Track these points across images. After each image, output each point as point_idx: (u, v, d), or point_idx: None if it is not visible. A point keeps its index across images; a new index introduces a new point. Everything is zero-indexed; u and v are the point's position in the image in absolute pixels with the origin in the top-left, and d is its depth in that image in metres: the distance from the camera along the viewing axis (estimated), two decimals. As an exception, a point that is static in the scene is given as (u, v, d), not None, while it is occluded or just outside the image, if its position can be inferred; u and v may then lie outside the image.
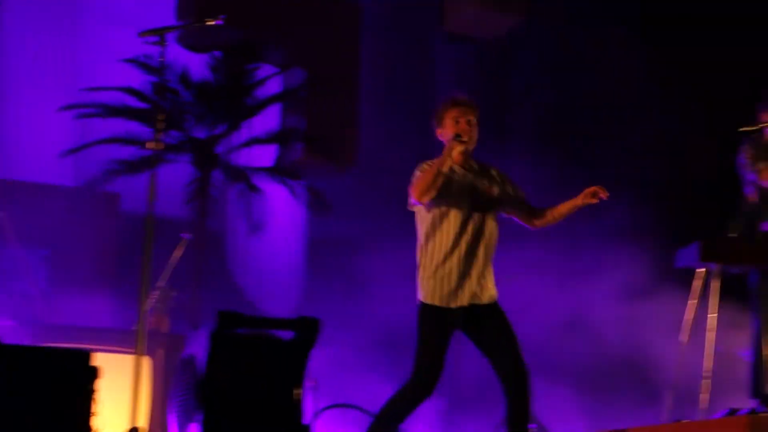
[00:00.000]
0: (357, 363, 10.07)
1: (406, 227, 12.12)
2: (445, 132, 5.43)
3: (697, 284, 6.33)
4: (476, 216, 5.34)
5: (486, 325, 5.29)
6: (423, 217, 5.42)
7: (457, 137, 5.27)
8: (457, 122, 5.36)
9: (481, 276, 5.33)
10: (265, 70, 12.43)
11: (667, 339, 7.38)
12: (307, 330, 4.61)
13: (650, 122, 11.66)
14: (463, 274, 5.28)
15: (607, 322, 9.16)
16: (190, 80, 11.87)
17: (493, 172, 5.52)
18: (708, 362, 6.17)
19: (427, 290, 5.33)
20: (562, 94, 12.29)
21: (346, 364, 9.72)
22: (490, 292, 5.37)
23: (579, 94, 12.31)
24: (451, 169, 5.36)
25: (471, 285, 5.29)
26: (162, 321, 7.89)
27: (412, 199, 5.35)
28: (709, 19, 11.14)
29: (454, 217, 5.31)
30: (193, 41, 11.67)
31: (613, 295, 9.16)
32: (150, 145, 5.30)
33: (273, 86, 12.53)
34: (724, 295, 6.33)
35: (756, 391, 6.11)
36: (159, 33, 5.39)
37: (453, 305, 5.27)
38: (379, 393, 9.26)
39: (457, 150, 5.29)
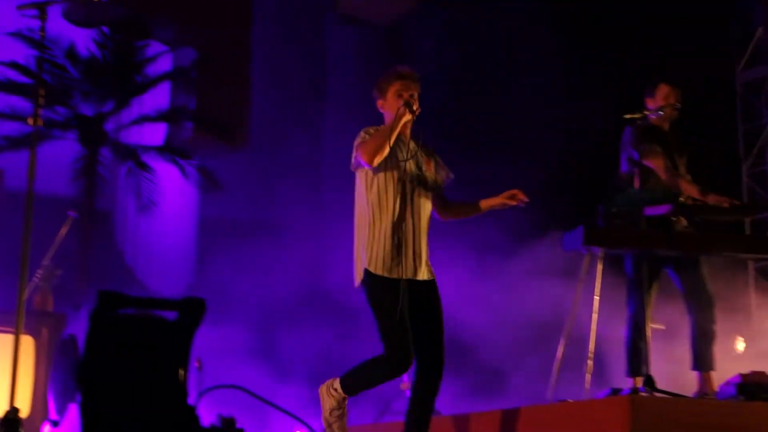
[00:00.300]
0: (244, 343, 10.02)
1: (297, 208, 12.06)
2: (386, 104, 5.36)
3: (581, 267, 6.42)
4: (418, 188, 5.27)
5: (424, 305, 5.20)
6: (369, 181, 5.27)
7: (408, 105, 5.19)
8: (400, 96, 5.27)
9: (423, 248, 5.25)
10: (154, 47, 12.26)
11: (553, 320, 7.49)
12: (191, 310, 4.53)
13: (547, 109, 11.76)
14: (409, 244, 5.17)
15: (488, 304, 9.25)
16: (78, 56, 11.67)
17: (431, 148, 5.48)
18: (592, 343, 6.28)
19: (374, 258, 5.16)
20: (455, 81, 12.33)
21: (233, 345, 9.68)
22: (430, 268, 5.30)
23: (474, 80, 12.38)
24: (398, 137, 5.26)
25: (416, 256, 5.19)
26: (46, 300, 7.75)
27: (360, 160, 5.20)
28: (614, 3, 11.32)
29: (399, 184, 5.22)
30: (80, 16, 11.44)
31: (495, 276, 9.24)
32: (30, 121, 5.18)
33: (164, 64, 12.38)
34: (610, 276, 6.45)
35: (633, 371, 6.24)
36: (39, 6, 5.25)
37: (402, 275, 5.12)
38: (264, 373, 9.27)
39: (406, 118, 5.20)
